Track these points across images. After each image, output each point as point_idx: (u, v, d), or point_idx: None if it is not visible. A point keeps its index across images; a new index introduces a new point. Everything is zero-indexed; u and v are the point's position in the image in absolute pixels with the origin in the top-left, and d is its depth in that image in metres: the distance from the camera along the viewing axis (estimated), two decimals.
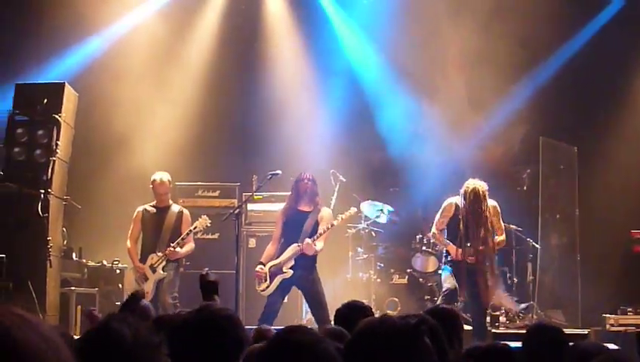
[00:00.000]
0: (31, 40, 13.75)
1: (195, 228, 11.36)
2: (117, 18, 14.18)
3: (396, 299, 13.57)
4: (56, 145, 11.11)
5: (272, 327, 6.39)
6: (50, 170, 11.03)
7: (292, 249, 10.52)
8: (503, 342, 4.78)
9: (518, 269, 13.66)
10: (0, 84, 13.05)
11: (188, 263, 12.18)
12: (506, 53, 14.70)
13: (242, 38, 15.32)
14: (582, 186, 14.30)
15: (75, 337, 4.38)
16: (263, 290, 10.55)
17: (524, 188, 13.78)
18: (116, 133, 14.06)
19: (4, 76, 13.11)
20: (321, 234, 10.49)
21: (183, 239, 11.32)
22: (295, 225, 10.63)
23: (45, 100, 11.22)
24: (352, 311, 5.68)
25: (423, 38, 14.80)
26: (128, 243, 11.54)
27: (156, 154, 13.87)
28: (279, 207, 11.20)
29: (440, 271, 11.21)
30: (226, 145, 14.89)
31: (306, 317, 12.75)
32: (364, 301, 6.95)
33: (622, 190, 14.02)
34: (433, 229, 10.98)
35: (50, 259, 10.95)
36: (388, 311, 13.34)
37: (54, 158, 11.09)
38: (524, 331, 5.88)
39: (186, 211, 11.68)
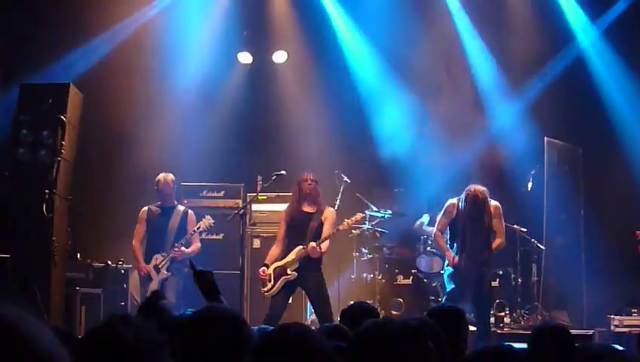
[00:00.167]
0: (35, 40, 13.74)
1: (198, 228, 11.37)
2: (122, 17, 14.16)
3: (401, 300, 13.57)
4: (61, 145, 11.09)
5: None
6: (54, 171, 11.01)
7: (297, 251, 10.51)
8: (507, 344, 4.77)
9: (522, 270, 13.65)
10: (5, 84, 13.05)
11: (191, 264, 12.16)
12: (511, 53, 14.73)
13: (246, 39, 15.31)
14: (586, 187, 14.28)
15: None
16: (267, 291, 10.54)
17: (529, 188, 13.75)
18: (121, 133, 14.06)
19: (8, 76, 13.11)
20: (326, 238, 10.49)
21: (187, 239, 11.33)
22: (299, 227, 10.62)
23: (50, 101, 11.21)
24: (358, 312, 5.67)
25: (428, 38, 14.80)
26: (133, 243, 11.55)
27: (161, 154, 13.87)
28: (284, 207, 11.19)
29: (442, 271, 11.22)
30: (231, 146, 14.88)
31: (310, 317, 12.75)
32: (368, 301, 6.96)
33: (627, 190, 13.98)
34: (435, 230, 11.01)
35: (54, 260, 10.94)
36: (392, 312, 13.35)
37: (59, 159, 11.07)
38: (529, 332, 5.87)
39: (191, 211, 11.69)
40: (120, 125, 14.04)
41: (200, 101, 14.92)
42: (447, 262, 10.83)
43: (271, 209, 13.21)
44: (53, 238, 10.91)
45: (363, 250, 13.81)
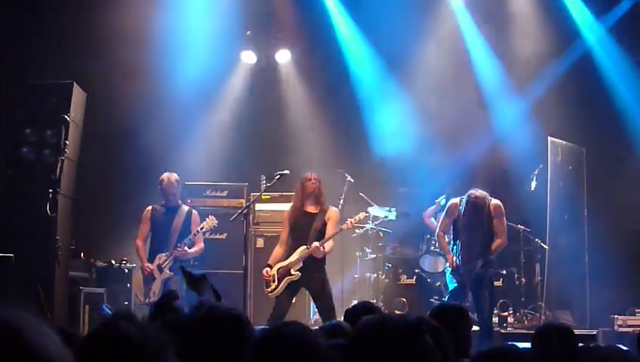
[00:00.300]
0: (39, 39, 13.75)
1: (202, 228, 11.37)
2: (126, 16, 14.15)
3: (404, 300, 13.57)
4: (65, 144, 11.10)
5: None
6: (58, 170, 11.03)
7: (300, 251, 10.50)
8: (511, 344, 4.76)
9: (526, 270, 13.65)
10: (9, 83, 13.05)
11: (196, 263, 12.18)
12: (515, 52, 14.73)
13: (250, 38, 15.31)
14: (590, 187, 14.27)
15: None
16: (271, 292, 10.54)
17: (533, 188, 13.74)
18: (125, 132, 14.06)
19: (12, 75, 13.12)
20: (329, 238, 10.48)
21: (190, 239, 11.33)
22: (302, 227, 10.60)
23: (54, 100, 11.22)
24: (362, 312, 5.66)
25: (431, 38, 14.81)
26: (137, 242, 11.56)
27: (164, 153, 13.87)
28: (287, 207, 11.17)
29: (445, 271, 11.23)
30: (234, 145, 14.90)
31: (313, 317, 12.76)
32: (372, 301, 6.96)
33: (630, 190, 13.97)
34: (437, 230, 11.03)
35: (58, 259, 10.95)
36: (396, 312, 13.34)
37: (63, 158, 11.09)
38: (533, 331, 5.87)
39: (195, 211, 11.69)
40: (123, 124, 14.05)
41: (203, 100, 14.93)
42: (447, 263, 10.84)
43: (274, 208, 13.21)
44: (57, 237, 10.92)
45: (366, 249, 13.81)
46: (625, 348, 4.77)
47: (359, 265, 13.84)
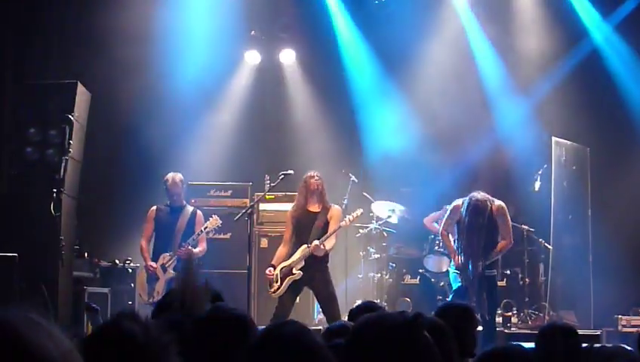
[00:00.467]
0: (45, 39, 13.76)
1: (206, 228, 11.38)
2: (130, 16, 14.16)
3: (408, 299, 13.57)
4: (69, 144, 11.11)
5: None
6: (62, 170, 11.04)
7: (302, 250, 10.51)
8: (517, 344, 4.76)
9: (530, 270, 13.64)
10: (13, 83, 13.06)
11: (200, 263, 12.19)
12: (519, 52, 14.72)
13: (257, 38, 15.32)
14: (594, 187, 14.25)
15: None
16: (274, 292, 10.54)
17: (537, 188, 13.74)
18: (129, 132, 14.07)
19: (17, 75, 13.13)
20: (329, 236, 10.48)
21: (194, 239, 11.33)
22: (305, 226, 10.60)
23: (58, 100, 11.24)
24: (366, 312, 5.66)
25: (435, 37, 14.81)
26: (141, 242, 11.57)
27: (169, 153, 13.88)
28: (291, 206, 11.18)
29: (449, 270, 11.23)
30: (238, 145, 14.90)
31: (317, 317, 12.76)
32: (376, 301, 6.96)
33: (634, 190, 13.96)
34: (441, 229, 11.03)
35: (62, 258, 10.96)
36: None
37: (67, 158, 11.10)
38: (537, 331, 5.87)
39: (199, 211, 11.69)
40: (128, 124, 14.06)
41: (208, 100, 14.94)
42: (453, 262, 10.84)
43: (278, 208, 13.22)
44: (61, 237, 10.93)
45: (370, 249, 13.81)
46: (629, 348, 4.77)
47: (363, 265, 13.84)
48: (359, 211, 11.04)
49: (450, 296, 11.04)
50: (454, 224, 10.69)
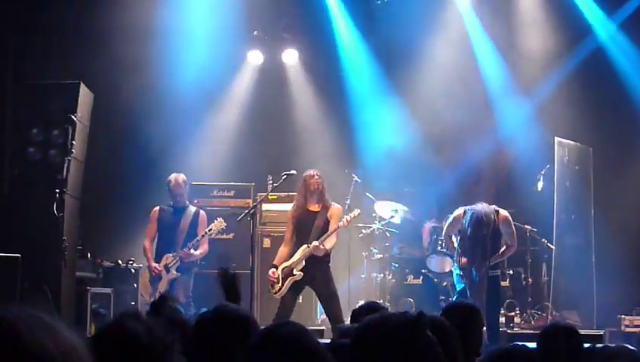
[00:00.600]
0: (47, 39, 13.77)
1: (210, 230, 11.38)
2: (133, 16, 14.17)
3: (411, 300, 13.56)
4: (72, 144, 11.12)
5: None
6: (65, 170, 11.04)
7: (302, 250, 10.51)
8: (522, 344, 4.76)
9: (533, 270, 13.64)
10: (15, 83, 13.07)
11: (203, 263, 12.21)
12: (521, 52, 14.71)
13: (260, 39, 15.32)
14: (597, 187, 14.24)
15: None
16: (276, 293, 10.55)
17: (539, 188, 13.72)
18: (132, 132, 14.08)
19: (19, 75, 13.13)
20: (328, 235, 10.47)
21: (198, 241, 11.34)
22: (305, 226, 10.60)
23: (60, 100, 11.24)
24: (369, 312, 5.65)
25: (437, 37, 14.80)
26: (145, 242, 11.58)
27: (171, 153, 13.88)
28: (291, 206, 11.18)
29: (453, 270, 11.23)
30: (241, 145, 14.90)
31: (320, 316, 12.76)
32: (378, 301, 6.96)
33: (637, 190, 13.95)
34: (444, 232, 11.05)
35: (65, 259, 10.97)
36: None
37: (69, 158, 11.10)
38: (539, 332, 5.86)
39: (202, 212, 11.70)
40: (130, 124, 14.06)
41: (210, 100, 14.94)
42: (456, 263, 10.84)
43: (281, 208, 13.20)
44: (64, 238, 10.93)
45: (373, 249, 13.81)
46: (632, 348, 4.77)
47: (366, 265, 13.83)
48: (356, 211, 11.01)
49: (454, 297, 11.04)
50: (456, 231, 10.69)
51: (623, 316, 12.71)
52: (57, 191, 10.94)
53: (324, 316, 11.75)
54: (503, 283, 12.02)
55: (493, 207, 10.49)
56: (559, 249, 13.60)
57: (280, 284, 10.49)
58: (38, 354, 1.54)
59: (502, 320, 11.97)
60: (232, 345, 3.43)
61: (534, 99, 14.65)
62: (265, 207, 13.43)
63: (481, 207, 10.32)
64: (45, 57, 13.52)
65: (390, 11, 14.70)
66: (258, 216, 13.09)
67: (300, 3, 15.38)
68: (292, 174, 11.04)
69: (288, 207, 11.24)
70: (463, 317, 5.19)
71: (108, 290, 12.29)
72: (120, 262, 12.94)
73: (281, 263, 10.58)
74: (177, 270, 11.30)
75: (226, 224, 11.47)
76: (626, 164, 14.26)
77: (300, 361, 2.68)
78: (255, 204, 12.07)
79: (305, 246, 10.47)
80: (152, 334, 2.35)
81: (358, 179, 12.94)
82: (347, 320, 8.66)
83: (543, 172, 13.70)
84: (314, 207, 10.68)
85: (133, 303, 12.27)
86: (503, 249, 10.52)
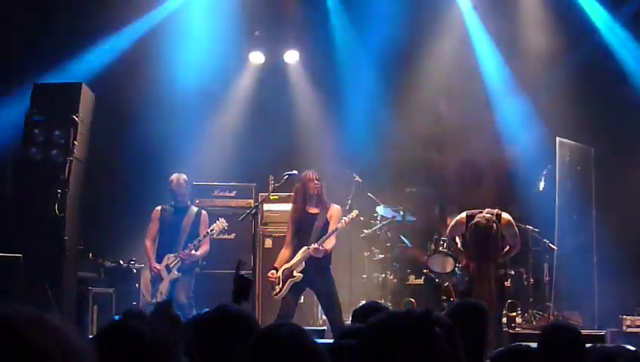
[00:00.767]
0: (48, 40, 13.77)
1: (212, 230, 11.38)
2: (134, 17, 14.18)
3: (412, 300, 13.55)
4: (73, 145, 11.13)
5: None
6: (66, 170, 11.05)
7: (302, 252, 10.52)
8: (525, 344, 4.76)
9: (534, 270, 13.63)
10: (17, 83, 13.08)
11: (204, 263, 12.21)
12: (523, 52, 14.70)
13: (261, 39, 15.32)
14: (599, 187, 14.23)
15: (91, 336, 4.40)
16: (276, 294, 10.56)
17: (541, 188, 13.72)
18: (133, 132, 14.08)
19: (21, 76, 13.14)
20: (328, 236, 10.47)
21: (200, 241, 11.34)
22: (305, 228, 10.61)
23: (62, 100, 11.25)
24: (370, 312, 5.66)
25: (439, 37, 14.80)
26: (146, 242, 11.58)
27: (173, 153, 13.88)
28: (290, 208, 11.17)
29: (456, 270, 11.22)
30: (243, 146, 14.89)
31: (321, 317, 12.76)
32: (380, 301, 6.96)
33: (639, 191, 13.94)
34: (448, 232, 11.05)
35: (66, 259, 10.97)
36: None
37: (71, 158, 11.11)
38: (540, 332, 5.86)
39: (204, 212, 11.70)
40: (131, 124, 14.07)
41: (212, 100, 14.94)
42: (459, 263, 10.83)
43: (282, 209, 13.18)
44: (65, 238, 10.94)
45: (374, 249, 13.80)
46: (632, 348, 4.77)
47: (367, 266, 13.83)
48: (355, 212, 11.00)
49: (458, 296, 11.03)
50: (459, 233, 10.67)
51: (624, 316, 12.70)
52: (59, 191, 10.95)
53: (325, 316, 11.76)
54: (504, 284, 12.00)
55: (496, 211, 10.44)
56: (561, 249, 13.59)
57: (280, 286, 10.51)
58: (39, 354, 1.54)
59: (503, 320, 11.95)
60: (233, 345, 3.44)
61: (536, 99, 14.64)
62: (266, 207, 13.43)
63: (483, 215, 10.24)
64: (47, 58, 13.51)
65: (392, 11, 14.68)
66: (260, 216, 13.09)
67: (301, 3, 15.37)
68: (293, 174, 11.04)
69: (290, 207, 11.24)
70: (468, 316, 5.20)
71: (110, 290, 12.30)
72: (121, 262, 12.96)
73: (282, 265, 10.59)
74: (179, 270, 11.30)
75: (227, 224, 11.47)
76: (627, 164, 14.24)
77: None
78: (257, 204, 12.07)
79: (305, 248, 10.48)
80: (156, 334, 2.36)
81: (360, 179, 12.93)
82: (348, 321, 8.66)
83: (544, 172, 13.69)
84: (313, 209, 10.69)
85: (134, 303, 12.27)
86: (506, 249, 10.50)
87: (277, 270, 10.57)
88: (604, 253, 13.85)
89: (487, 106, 14.83)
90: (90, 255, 12.73)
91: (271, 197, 12.85)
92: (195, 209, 11.71)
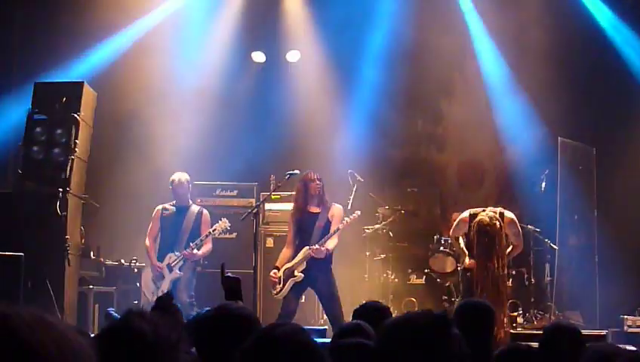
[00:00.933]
0: (50, 39, 13.78)
1: (214, 230, 11.38)
2: (135, 17, 14.20)
3: (414, 300, 13.57)
4: (75, 143, 11.14)
5: None
6: (68, 169, 11.06)
7: (303, 252, 10.51)
8: (525, 344, 4.76)
9: (535, 270, 13.62)
10: (19, 82, 13.09)
11: (206, 262, 12.21)
12: (524, 52, 14.69)
13: (262, 39, 15.33)
14: (600, 187, 14.23)
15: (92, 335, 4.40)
16: (277, 294, 10.56)
17: (542, 189, 13.72)
18: (135, 131, 14.10)
19: (23, 75, 13.15)
20: (329, 237, 10.47)
21: (202, 241, 11.34)
22: (307, 227, 10.61)
23: (64, 99, 11.26)
24: (371, 312, 5.68)
25: (440, 37, 14.79)
26: (147, 241, 11.57)
27: (174, 153, 13.89)
28: (291, 207, 11.17)
29: (459, 269, 11.21)
30: (244, 145, 14.88)
31: (322, 317, 12.76)
32: (381, 301, 6.94)
33: None
34: (451, 234, 11.04)
35: (68, 258, 10.98)
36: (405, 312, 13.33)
37: (73, 157, 11.12)
38: (542, 331, 5.86)
39: (205, 211, 11.70)
40: (133, 124, 14.08)
41: (213, 100, 14.93)
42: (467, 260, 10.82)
43: (284, 208, 13.17)
44: (67, 237, 10.95)
45: (376, 249, 13.80)
46: (633, 348, 4.77)
47: (368, 265, 13.83)
48: (357, 213, 10.99)
49: (460, 297, 11.03)
50: (462, 233, 10.67)
51: (625, 316, 12.69)
52: (60, 190, 10.96)
53: (326, 316, 11.76)
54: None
55: (499, 209, 10.45)
56: (562, 249, 13.60)
57: (281, 285, 10.51)
58: (38, 355, 1.54)
59: (504, 320, 11.95)
60: (234, 344, 3.44)
61: (538, 99, 14.63)
62: (268, 206, 13.43)
63: (486, 213, 10.25)
64: (49, 57, 13.52)
65: (393, 11, 14.68)
66: (261, 215, 13.08)
67: (302, 2, 15.36)
68: (295, 174, 11.03)
69: (291, 206, 11.24)
70: (474, 316, 5.20)
71: (111, 289, 12.31)
72: (123, 261, 12.97)
73: (283, 264, 10.59)
74: (180, 269, 11.30)
75: (230, 224, 11.48)
76: (629, 164, 14.24)
77: (296, 361, 2.69)
78: (258, 203, 12.07)
79: (306, 248, 10.47)
80: (158, 333, 2.36)
81: (361, 179, 12.93)
82: (349, 321, 8.66)
83: (546, 172, 13.69)
84: (314, 209, 10.69)
85: (135, 302, 12.28)
86: (509, 249, 10.50)
87: (278, 269, 10.57)
88: (605, 253, 13.85)
89: (490, 106, 14.83)
90: (92, 254, 12.73)
91: (272, 197, 12.84)
92: (196, 208, 11.70)
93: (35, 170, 11.14)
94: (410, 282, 14.02)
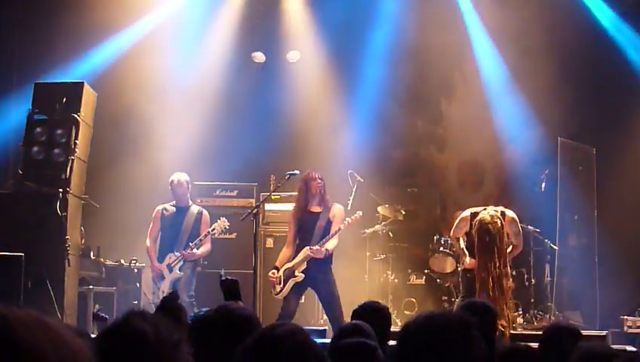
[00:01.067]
0: (51, 39, 13.79)
1: (213, 229, 11.38)
2: (136, 18, 14.20)
3: (413, 300, 13.57)
4: (75, 144, 11.14)
5: None
6: (68, 169, 11.06)
7: (303, 252, 10.51)
8: (524, 344, 4.77)
9: (535, 270, 13.62)
10: (19, 83, 13.09)
11: (205, 262, 12.21)
12: (524, 52, 14.69)
13: (263, 39, 15.33)
14: (600, 187, 14.23)
15: (93, 336, 4.40)
16: (277, 294, 10.57)
17: (542, 189, 13.72)
18: (135, 132, 14.09)
19: (23, 75, 13.15)
20: (330, 237, 10.47)
21: (201, 240, 11.35)
22: (308, 227, 10.62)
23: (64, 100, 11.26)
24: (369, 312, 5.68)
25: (441, 37, 14.79)
26: (147, 241, 11.58)
27: (174, 153, 13.88)
28: (292, 207, 11.17)
29: (459, 270, 11.21)
30: (244, 145, 14.88)
31: (322, 317, 12.76)
32: (381, 301, 6.94)
33: None
34: (452, 234, 11.02)
35: (68, 258, 10.98)
36: (405, 312, 13.35)
37: (73, 157, 11.12)
38: (541, 332, 5.86)
39: (205, 212, 11.70)
40: (134, 124, 14.07)
41: (214, 100, 14.92)
42: (462, 263, 10.82)
43: (284, 208, 13.18)
44: (67, 237, 10.95)
45: (376, 249, 13.80)
46: (634, 349, 4.77)
47: (368, 266, 13.82)
48: (358, 214, 10.98)
49: (460, 297, 11.02)
50: (463, 233, 10.66)
51: (625, 317, 12.69)
52: (60, 190, 10.96)
53: (326, 316, 11.76)
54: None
55: (500, 208, 10.45)
56: (562, 249, 13.60)
57: (281, 286, 10.51)
58: (34, 355, 1.53)
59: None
60: (234, 344, 3.44)
61: (538, 98, 14.62)
62: (268, 206, 13.42)
63: (487, 211, 10.25)
64: (49, 57, 13.53)
65: (393, 10, 14.68)
66: (261, 215, 13.07)
67: (303, 2, 15.36)
68: (295, 174, 11.03)
69: (291, 206, 11.25)
70: (479, 314, 5.21)
71: (111, 290, 12.31)
72: (123, 261, 12.96)
73: (283, 264, 10.59)
74: (180, 269, 11.30)
75: (229, 224, 11.48)
76: (629, 165, 14.24)
77: (295, 361, 2.69)
78: (258, 203, 12.07)
79: (307, 248, 10.47)
80: (160, 333, 2.36)
81: (361, 179, 12.93)
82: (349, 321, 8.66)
83: (546, 172, 13.70)
84: (315, 209, 10.69)
85: (135, 302, 12.28)
86: (509, 249, 10.50)
87: (278, 269, 10.57)
88: (605, 253, 13.86)
89: (490, 106, 14.82)
90: (92, 254, 12.73)
91: (272, 197, 12.84)
92: (196, 208, 11.71)
93: (36, 170, 11.14)
94: (410, 282, 14.02)
